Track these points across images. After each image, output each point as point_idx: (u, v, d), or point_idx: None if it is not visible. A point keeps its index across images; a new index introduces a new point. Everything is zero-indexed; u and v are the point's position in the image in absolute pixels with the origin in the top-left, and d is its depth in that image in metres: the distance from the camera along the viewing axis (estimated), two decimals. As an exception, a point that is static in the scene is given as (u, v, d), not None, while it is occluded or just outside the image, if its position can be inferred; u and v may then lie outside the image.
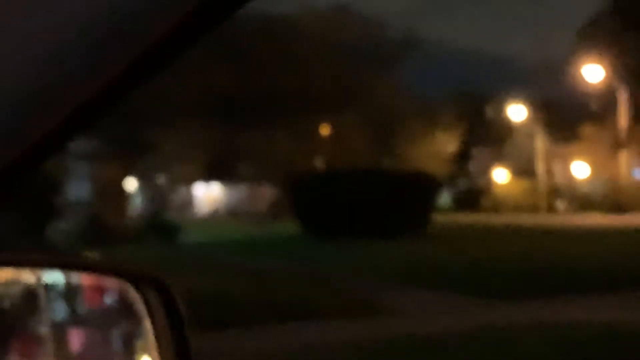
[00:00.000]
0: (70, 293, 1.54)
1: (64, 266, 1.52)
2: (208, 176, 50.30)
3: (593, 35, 39.01)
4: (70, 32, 0.85)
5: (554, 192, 54.52)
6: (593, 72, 45.17)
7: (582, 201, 52.27)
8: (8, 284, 1.49)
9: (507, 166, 59.37)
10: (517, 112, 57.81)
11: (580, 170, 54.99)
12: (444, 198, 53.53)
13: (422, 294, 14.48)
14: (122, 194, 36.37)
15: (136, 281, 1.51)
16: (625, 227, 31.02)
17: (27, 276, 1.49)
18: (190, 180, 49.76)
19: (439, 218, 32.32)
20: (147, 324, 1.50)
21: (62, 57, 0.86)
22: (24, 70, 0.87)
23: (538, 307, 12.49)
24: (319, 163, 43.99)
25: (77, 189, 33.26)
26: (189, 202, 56.73)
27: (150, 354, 1.50)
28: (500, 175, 59.28)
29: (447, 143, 51.48)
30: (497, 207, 53.21)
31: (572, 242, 24.45)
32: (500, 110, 59.38)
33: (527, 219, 40.49)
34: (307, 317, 11.85)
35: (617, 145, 47.14)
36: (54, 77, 0.87)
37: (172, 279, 1.50)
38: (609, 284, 14.35)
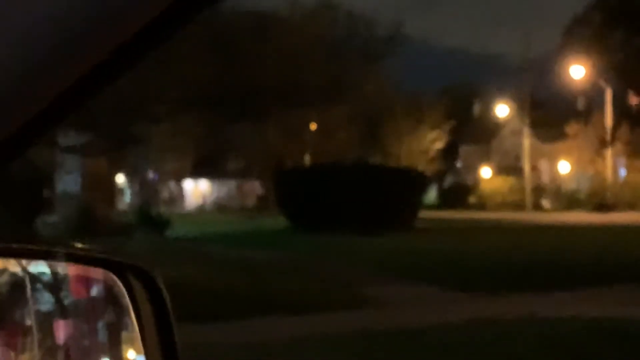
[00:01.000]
0: (56, 284, 1.52)
1: (50, 257, 1.50)
2: (197, 170, 50.31)
3: (579, 34, 39.11)
4: (51, 19, 0.84)
5: (540, 189, 54.66)
6: (579, 71, 45.28)
7: (568, 199, 52.42)
8: None
9: (494, 163, 59.55)
10: (504, 110, 57.97)
11: (566, 168, 55.21)
12: (431, 194, 53.68)
13: (406, 288, 14.50)
14: (111, 187, 36.40)
15: (122, 272, 1.50)
16: (610, 225, 31.15)
17: (13, 266, 1.48)
18: (179, 174, 49.76)
19: (425, 214, 32.47)
20: (133, 315, 1.49)
21: (41, 46, 0.85)
22: (6, 56, 0.85)
23: (522, 301, 12.58)
24: (306, 158, 44.07)
25: (67, 181, 33.26)
26: (177, 195, 56.71)
27: (136, 345, 1.50)
28: (487, 173, 59.43)
29: (435, 140, 51.55)
30: (483, 204, 53.30)
31: (556, 238, 24.55)
32: (487, 108, 59.56)
33: (512, 216, 40.64)
34: (292, 309, 11.90)
35: (602, 143, 47.29)
36: (35, 66, 0.86)
37: (159, 270, 1.50)
38: (591, 280, 14.49)
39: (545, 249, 20.21)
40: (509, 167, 56.71)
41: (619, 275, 14.93)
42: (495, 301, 12.86)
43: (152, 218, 32.01)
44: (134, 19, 0.89)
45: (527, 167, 54.11)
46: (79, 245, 1.57)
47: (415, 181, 31.24)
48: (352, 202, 27.48)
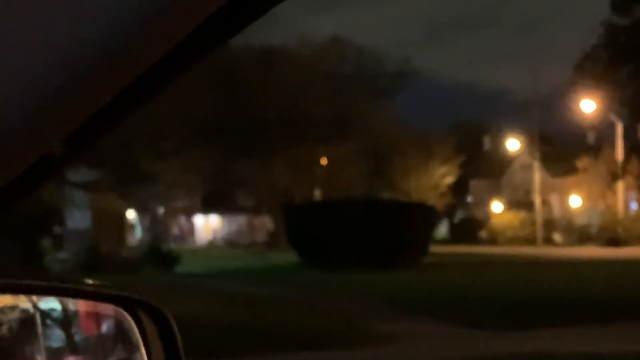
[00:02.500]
0: (66, 320, 1.53)
1: (61, 293, 1.51)
2: (207, 205, 50.32)
3: (589, 69, 39.18)
4: (64, 57, 0.84)
5: (551, 224, 54.51)
6: (589, 105, 45.30)
7: (579, 233, 52.25)
8: (5, 310, 1.47)
9: (504, 198, 59.46)
10: (514, 144, 57.96)
11: (577, 202, 55.09)
12: (442, 229, 53.57)
13: (416, 324, 14.43)
14: (121, 223, 36.43)
15: (132, 308, 1.51)
16: (621, 260, 31.01)
17: (24, 303, 1.48)
18: (189, 210, 49.77)
19: (436, 248, 32.36)
20: (143, 351, 1.48)
21: (55, 83, 0.85)
22: (18, 96, 0.85)
23: (527, 337, 12.55)
24: (315, 193, 44.04)
25: (76, 217, 33.30)
26: (188, 231, 56.70)
27: None
28: (498, 207, 59.32)
29: (445, 174, 51.52)
30: (494, 238, 53.17)
31: (567, 274, 24.46)
32: (497, 142, 59.56)
33: (523, 251, 40.49)
34: (301, 346, 11.81)
35: (613, 177, 47.21)
36: (51, 103, 0.86)
37: (169, 307, 1.50)
38: (600, 316, 14.41)
39: (556, 285, 20.12)
40: (520, 202, 56.61)
41: (631, 311, 14.82)
42: (506, 338, 12.78)
43: (161, 254, 31.99)
44: (144, 58, 0.88)
45: (537, 201, 53.98)
46: (89, 281, 1.57)
47: (425, 216, 31.14)
48: (361, 237, 27.41)
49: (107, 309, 1.54)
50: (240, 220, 57.03)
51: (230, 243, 54.71)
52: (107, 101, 0.90)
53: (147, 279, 23.93)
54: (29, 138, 0.89)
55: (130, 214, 42.47)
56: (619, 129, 46.06)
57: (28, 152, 0.91)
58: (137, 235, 42.40)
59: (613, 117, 45.51)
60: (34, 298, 1.49)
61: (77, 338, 1.55)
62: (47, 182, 1.02)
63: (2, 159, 0.89)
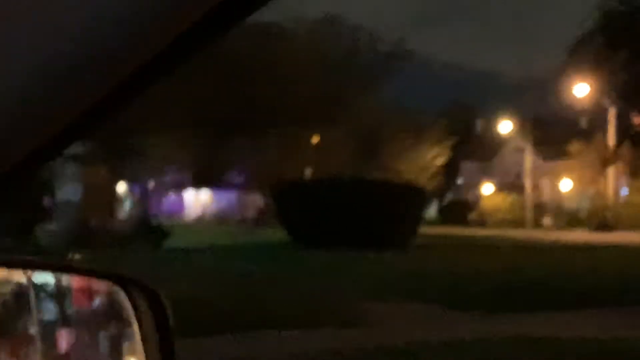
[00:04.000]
0: (59, 294, 1.55)
1: (55, 268, 1.54)
2: (197, 181, 50.28)
3: (582, 53, 39.17)
4: (70, 41, 0.85)
5: (541, 207, 54.60)
6: (582, 90, 45.32)
7: (569, 217, 52.36)
8: (0, 283, 1.50)
9: (495, 181, 59.52)
10: (506, 127, 57.96)
11: (567, 186, 55.18)
12: (432, 210, 53.64)
13: (403, 305, 14.46)
14: (111, 197, 36.38)
15: (125, 285, 1.52)
16: (610, 245, 31.06)
17: (18, 276, 1.50)
18: (179, 185, 49.72)
19: (425, 230, 32.36)
20: (135, 327, 1.51)
21: (61, 67, 0.86)
22: (23, 77, 0.87)
23: (516, 321, 12.59)
24: (306, 173, 44.01)
25: (67, 190, 33.24)
26: (177, 206, 56.67)
27: (136, 357, 1.52)
28: (488, 190, 59.39)
29: (436, 156, 51.52)
30: (483, 221, 53.24)
31: (555, 258, 24.49)
32: (489, 125, 59.58)
33: (512, 234, 40.55)
34: (286, 325, 11.82)
35: (604, 162, 47.26)
36: (54, 85, 0.87)
37: (158, 283, 1.51)
38: (588, 301, 14.47)
39: (542, 269, 20.10)
40: (510, 185, 56.69)
41: (615, 297, 14.87)
42: (490, 320, 12.82)
43: (151, 228, 31.96)
44: (145, 49, 0.90)
45: (528, 184, 54.05)
46: (81, 256, 1.63)
47: (415, 197, 31.10)
48: (350, 217, 27.35)
49: (100, 284, 1.56)
50: (231, 196, 57.00)
51: (219, 219, 54.70)
52: (106, 91, 0.91)
53: (136, 254, 23.92)
54: (28, 126, 0.90)
55: (121, 188, 42.41)
56: (612, 115, 46.08)
57: (27, 140, 0.92)
58: (126, 209, 42.35)
59: (606, 102, 45.51)
60: (28, 272, 1.50)
61: (70, 312, 1.57)
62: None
63: (6, 140, 0.91)
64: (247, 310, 12.78)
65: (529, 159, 54.47)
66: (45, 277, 1.53)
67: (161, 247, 29.38)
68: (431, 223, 46.03)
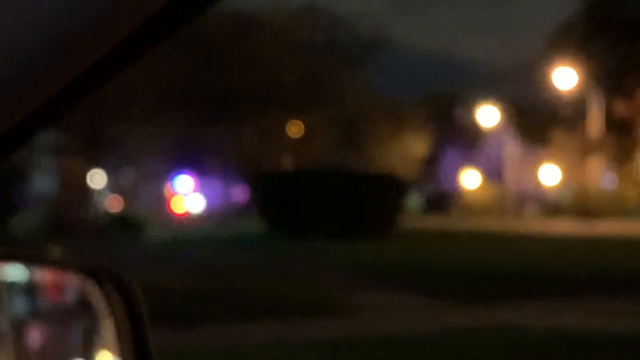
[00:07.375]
0: (30, 288, 1.53)
1: (25, 260, 1.50)
2: (176, 171, 50.20)
3: (564, 41, 39.14)
4: (38, 24, 0.83)
5: (523, 196, 54.75)
6: (564, 78, 45.35)
7: (551, 207, 52.55)
8: None
9: (477, 170, 59.56)
10: (487, 115, 57.96)
11: (550, 175, 55.22)
12: (413, 200, 53.62)
13: (383, 295, 14.50)
14: (86, 189, 36.16)
15: (97, 277, 1.49)
16: (591, 234, 31.19)
17: None
18: (156, 176, 49.60)
19: (407, 220, 32.31)
20: (107, 320, 1.48)
21: (30, 51, 0.84)
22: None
23: (495, 310, 12.61)
24: (286, 161, 43.92)
25: (42, 182, 33.06)
26: (154, 197, 56.50)
27: (109, 350, 1.49)
28: (470, 179, 59.46)
29: (417, 145, 51.59)
30: (465, 210, 53.42)
31: (536, 247, 24.60)
32: (471, 113, 59.59)
33: (494, 223, 40.60)
34: (267, 315, 11.87)
35: (587, 151, 47.34)
36: (22, 71, 0.85)
37: (133, 274, 1.49)
38: (568, 290, 14.46)
39: (524, 258, 20.18)
40: (492, 173, 56.77)
41: (595, 286, 14.83)
42: (473, 310, 12.75)
43: (127, 220, 31.83)
44: (124, 23, 0.89)
45: (510, 173, 54.16)
46: (53, 248, 1.55)
47: (395, 186, 31.15)
48: (330, 207, 27.38)
49: (72, 277, 1.53)
50: (213, 185, 56.90)
51: (203, 210, 54.65)
52: (73, 76, 0.90)
53: (112, 245, 23.78)
54: (5, 103, 0.90)
55: (97, 178, 42.19)
56: (594, 104, 46.11)
57: (5, 118, 0.91)
58: (102, 199, 42.13)
59: (588, 91, 45.55)
60: (-2, 265, 1.47)
61: (40, 306, 1.55)
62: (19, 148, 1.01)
63: None
64: (225, 300, 12.80)
65: (510, 147, 54.60)
66: (15, 270, 1.50)
67: (138, 238, 29.21)
68: (413, 212, 46.05)
